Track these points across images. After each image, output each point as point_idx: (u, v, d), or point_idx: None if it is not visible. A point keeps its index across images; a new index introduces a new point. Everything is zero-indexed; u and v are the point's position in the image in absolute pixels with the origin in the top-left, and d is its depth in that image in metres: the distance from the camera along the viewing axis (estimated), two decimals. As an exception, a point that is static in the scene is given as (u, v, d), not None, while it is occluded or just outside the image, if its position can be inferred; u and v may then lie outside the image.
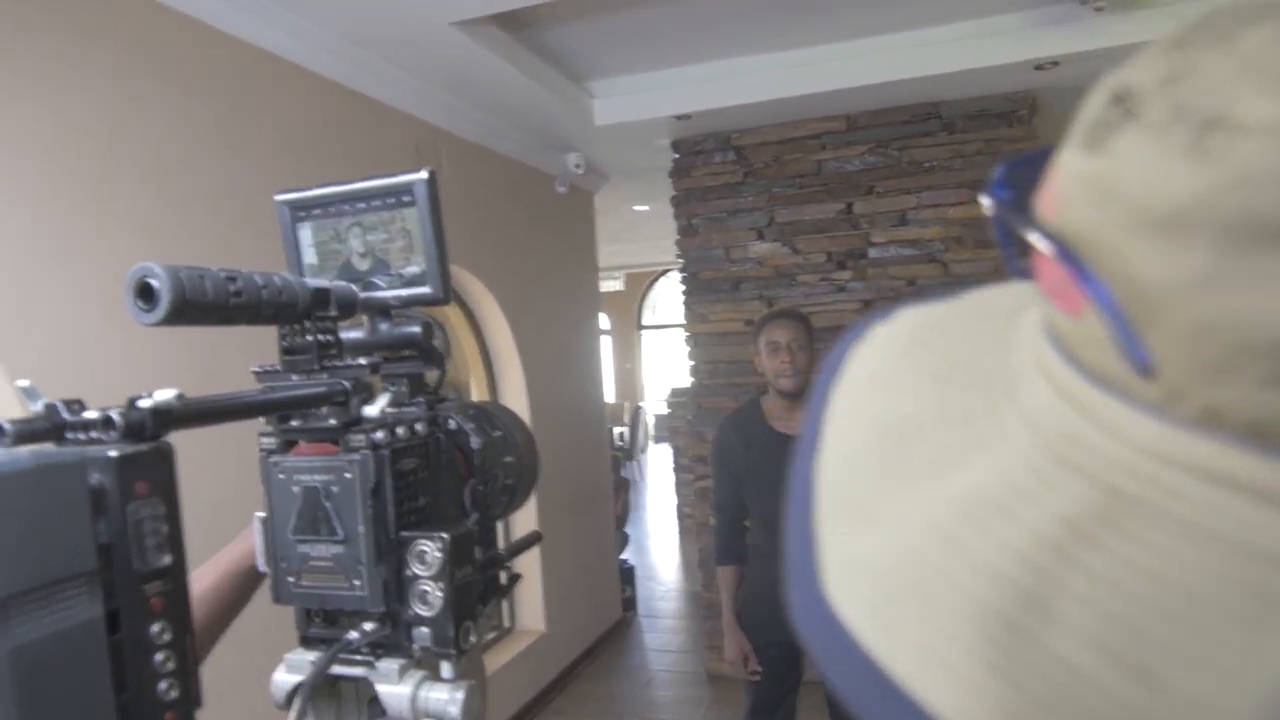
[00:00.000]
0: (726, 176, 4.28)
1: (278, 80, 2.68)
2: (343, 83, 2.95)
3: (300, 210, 0.60)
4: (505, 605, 4.18)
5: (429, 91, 3.34)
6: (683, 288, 4.41)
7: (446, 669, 0.54)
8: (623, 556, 5.59)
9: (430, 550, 0.53)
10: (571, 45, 3.44)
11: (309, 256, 0.61)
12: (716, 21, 3.30)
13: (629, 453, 11.00)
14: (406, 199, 0.57)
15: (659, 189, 4.78)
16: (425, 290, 0.58)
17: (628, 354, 13.76)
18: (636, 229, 7.90)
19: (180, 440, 0.43)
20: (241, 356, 0.65)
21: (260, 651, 0.80)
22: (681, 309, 4.42)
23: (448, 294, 0.58)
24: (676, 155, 4.35)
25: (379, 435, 0.53)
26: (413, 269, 0.59)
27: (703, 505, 4.45)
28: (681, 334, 4.50)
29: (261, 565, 0.57)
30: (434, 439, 0.59)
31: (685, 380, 4.55)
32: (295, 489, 0.55)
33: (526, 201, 4.34)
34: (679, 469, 7.92)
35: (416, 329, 0.59)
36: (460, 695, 0.53)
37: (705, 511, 4.42)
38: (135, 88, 2.20)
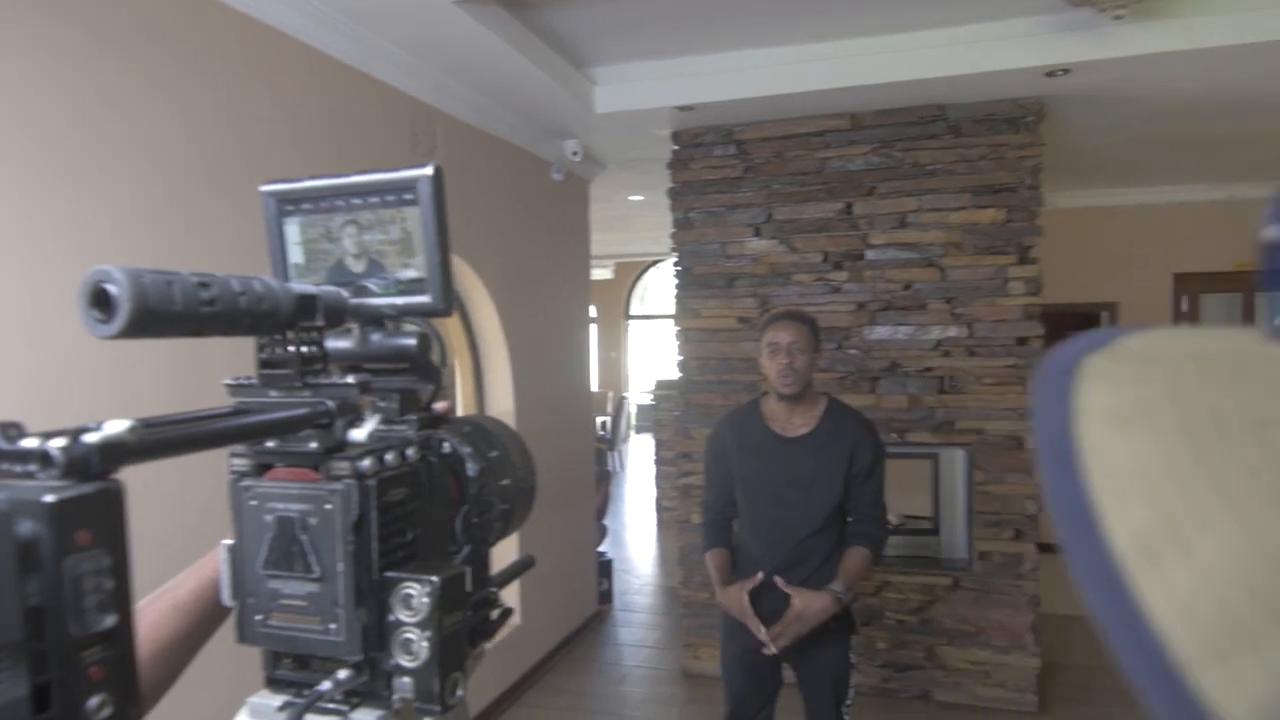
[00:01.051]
0: (726, 171, 4.21)
1: (275, 54, 2.59)
2: (341, 59, 2.87)
3: (288, 204, 0.54)
4: (483, 595, 4.13)
5: (428, 71, 3.25)
6: (675, 282, 4.36)
7: (430, 728, 0.48)
8: (600, 549, 5.55)
9: (417, 594, 0.47)
10: (575, 30, 3.36)
11: (295, 255, 0.55)
12: (723, 12, 3.23)
13: (610, 443, 10.96)
14: (409, 196, 0.51)
15: (654, 179, 4.72)
16: (424, 299, 0.52)
17: (613, 343, 13.70)
18: (629, 219, 7.84)
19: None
20: (226, 355, 0.58)
21: (220, 690, 0.74)
22: (673, 303, 4.36)
23: (449, 304, 0.52)
24: (676, 147, 4.28)
25: (365, 463, 0.47)
26: (411, 273, 0.53)
27: (685, 501, 4.41)
28: (671, 327, 4.44)
29: (227, 599, 0.51)
30: (426, 464, 0.53)
31: (672, 373, 4.50)
32: (268, 518, 0.49)
33: (521, 187, 4.26)
34: (660, 461, 7.89)
35: (411, 342, 0.53)
36: (443, 756, 0.48)
37: (687, 507, 4.38)
38: (121, 56, 2.11)
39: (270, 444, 0.50)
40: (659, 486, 7.94)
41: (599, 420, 10.92)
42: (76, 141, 1.99)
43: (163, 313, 0.39)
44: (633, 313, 13.90)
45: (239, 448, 0.50)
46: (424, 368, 0.54)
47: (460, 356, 4.21)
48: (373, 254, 0.53)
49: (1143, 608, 0.26)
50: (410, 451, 0.51)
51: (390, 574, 0.48)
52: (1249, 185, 6.02)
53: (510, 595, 4.25)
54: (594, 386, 13.36)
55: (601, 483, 5.73)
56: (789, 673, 2.49)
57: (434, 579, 0.47)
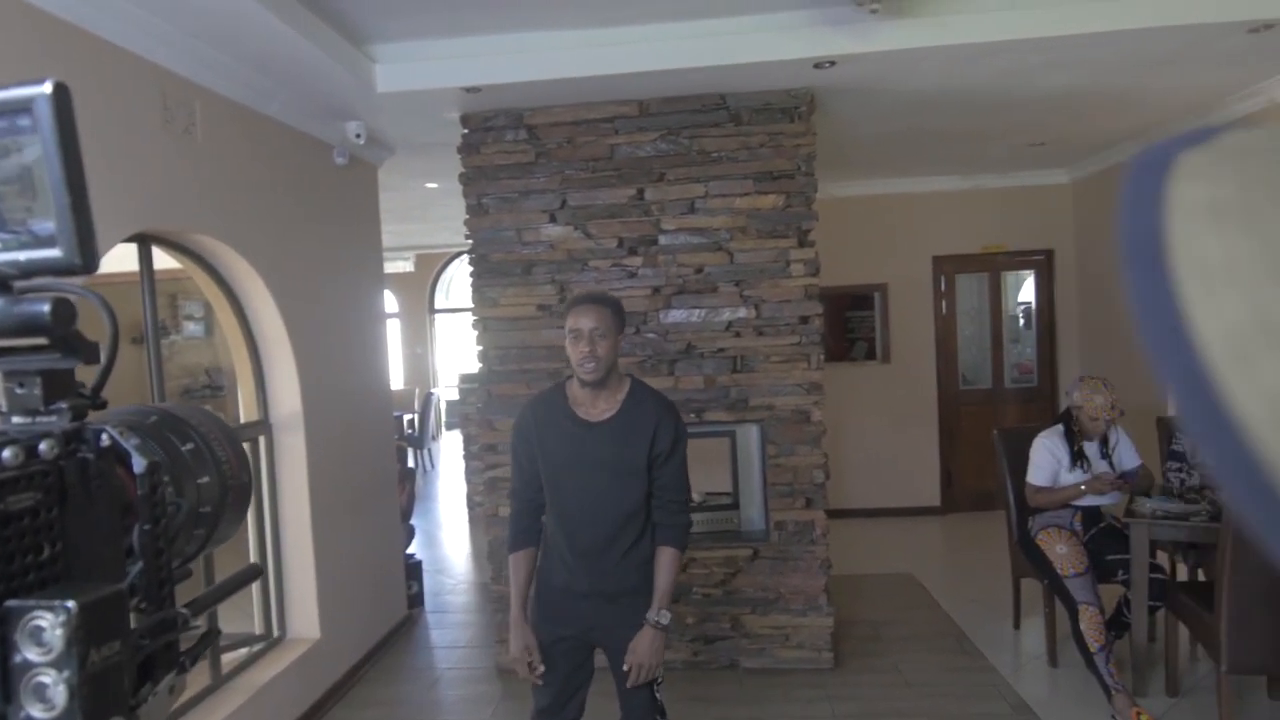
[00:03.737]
0: (518, 156, 4.13)
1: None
2: (70, 20, 2.49)
3: None
4: (273, 613, 3.81)
5: (176, 37, 2.91)
6: (471, 270, 4.22)
7: (78, 790, 0.38)
8: (409, 550, 5.31)
9: (49, 625, 0.37)
10: (350, 3, 3.14)
11: (-120, 203, 0.42)
12: (507, -10, 3.14)
13: (419, 441, 10.56)
14: (23, 122, 0.40)
15: (449, 166, 4.54)
16: (54, 253, 0.41)
17: (419, 338, 13.20)
18: (427, 208, 7.54)
19: None
20: None
21: None
22: (470, 292, 4.23)
23: (89, 259, 0.42)
24: (466, 130, 4.14)
25: (-37, 464, 0.37)
26: (46, 225, 0.42)
27: (493, 494, 4.30)
28: (470, 317, 4.30)
29: None
30: (76, 462, 0.43)
31: (476, 366, 4.37)
32: None
33: (298, 171, 3.95)
34: (469, 456, 7.70)
35: (44, 308, 0.42)
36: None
37: (495, 501, 4.28)
38: None
39: None
40: (469, 482, 7.74)
41: (406, 418, 10.49)
42: None
43: None
44: (437, 306, 13.45)
45: None
46: (67, 341, 0.43)
47: (239, 356, 3.84)
48: (-15, 198, 0.41)
49: (1231, 406, 0.25)
50: (45, 446, 0.40)
51: (14, 603, 0.37)
52: (990, 176, 6.76)
53: (308, 611, 3.96)
54: (399, 383, 12.81)
55: (405, 482, 5.48)
56: (600, 658, 2.48)
57: (69, 605, 0.37)
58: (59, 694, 0.37)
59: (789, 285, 4.06)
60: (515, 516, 2.48)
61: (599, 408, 2.36)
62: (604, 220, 4.10)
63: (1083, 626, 3.47)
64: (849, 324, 7.18)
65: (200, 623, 0.49)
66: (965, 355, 7.29)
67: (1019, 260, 7.19)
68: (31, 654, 0.37)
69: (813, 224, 4.06)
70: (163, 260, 3.33)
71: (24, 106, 0.40)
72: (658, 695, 2.42)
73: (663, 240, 4.08)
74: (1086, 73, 3.91)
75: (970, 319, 7.31)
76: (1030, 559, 3.89)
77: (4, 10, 2.29)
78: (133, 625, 0.44)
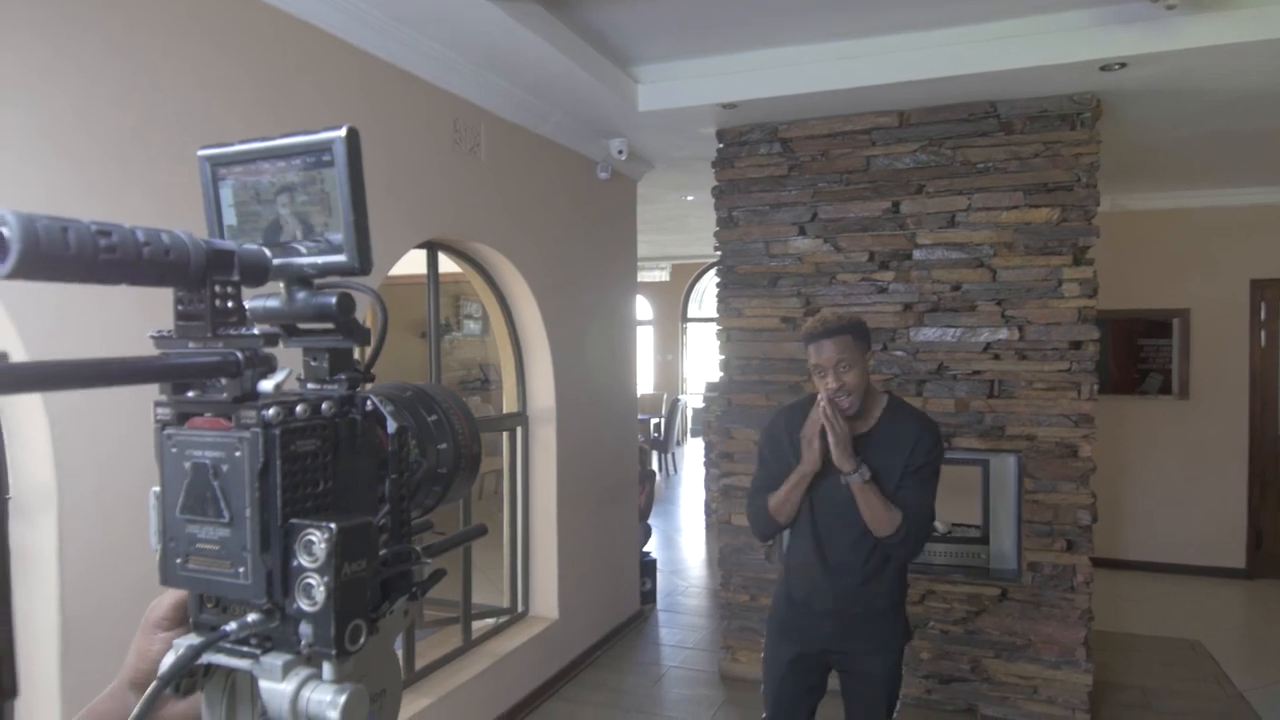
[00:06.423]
0: (771, 169, 4.18)
1: (318, 51, 2.68)
2: (383, 57, 2.94)
3: (221, 167, 0.56)
4: (519, 590, 4.18)
5: (469, 69, 3.31)
6: (718, 281, 4.34)
7: (328, 670, 0.50)
8: (645, 549, 5.55)
9: (317, 541, 0.48)
10: (616, 28, 3.38)
11: (229, 218, 0.57)
12: (765, 8, 3.21)
13: (664, 444, 10.95)
14: (326, 158, 0.52)
15: (705, 179, 4.71)
16: (341, 258, 0.53)
17: (670, 345, 13.68)
18: (684, 220, 7.83)
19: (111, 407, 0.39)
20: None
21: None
22: (715, 302, 4.35)
23: (365, 264, 0.53)
24: (721, 145, 4.27)
25: (270, 412, 0.49)
26: (339, 235, 0.55)
27: (727, 502, 4.39)
28: (715, 327, 4.42)
29: (154, 544, 0.54)
30: (348, 420, 0.54)
31: (719, 375, 4.48)
32: (186, 464, 0.51)
33: (566, 185, 4.30)
34: (708, 463, 7.87)
35: (331, 300, 0.54)
36: (343, 699, 0.49)
37: (728, 508, 4.35)
38: (168, 51, 2.20)
39: (191, 394, 0.52)
40: (708, 489, 7.91)
41: (653, 422, 10.94)
42: (126, 124, 2.09)
43: (55, 257, 0.41)
44: (690, 315, 13.86)
45: (163, 397, 0.52)
46: (348, 326, 0.56)
47: (505, 353, 4.27)
48: (300, 215, 0.55)
49: None
50: (325, 406, 0.52)
51: (296, 521, 0.49)
52: (1334, 186, 5.71)
53: (549, 592, 4.30)
54: (650, 388, 13.31)
55: (645, 483, 5.73)
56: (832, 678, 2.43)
57: (333, 526, 0.48)
58: (320, 594, 0.48)
59: (1060, 306, 3.73)
60: (752, 511, 2.44)
61: (854, 422, 2.29)
62: (855, 234, 4.03)
63: None
64: (1141, 353, 6.40)
65: (430, 562, 0.60)
66: (1290, 396, 6.21)
67: (1369, 287, 6.00)
68: (304, 561, 0.49)
69: (1092, 240, 3.70)
70: (446, 264, 3.79)
71: (326, 147, 0.52)
72: None
73: (917, 255, 3.93)
74: None
75: (1299, 354, 6.22)
76: (1356, 644, 3.25)
77: (333, 52, 2.75)
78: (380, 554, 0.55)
